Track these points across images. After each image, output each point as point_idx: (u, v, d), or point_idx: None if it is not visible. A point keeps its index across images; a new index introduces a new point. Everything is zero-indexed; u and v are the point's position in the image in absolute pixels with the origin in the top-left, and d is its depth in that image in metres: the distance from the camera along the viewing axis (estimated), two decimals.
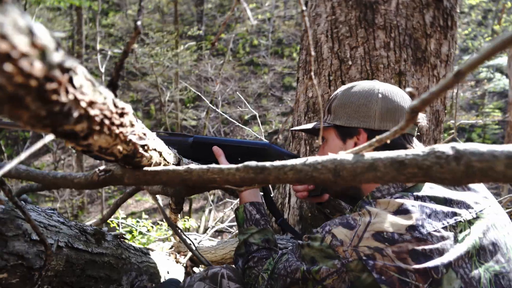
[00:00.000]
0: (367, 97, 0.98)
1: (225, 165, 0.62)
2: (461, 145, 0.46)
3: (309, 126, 1.14)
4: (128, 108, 0.53)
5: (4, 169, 0.55)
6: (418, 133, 1.04)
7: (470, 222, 0.84)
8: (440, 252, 0.77)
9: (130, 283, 1.37)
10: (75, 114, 0.39)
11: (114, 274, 1.24)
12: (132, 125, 0.54)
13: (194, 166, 0.64)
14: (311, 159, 0.56)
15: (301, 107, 2.06)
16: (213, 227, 2.89)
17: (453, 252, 0.78)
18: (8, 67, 0.31)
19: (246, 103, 3.05)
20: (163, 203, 1.81)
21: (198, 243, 2.15)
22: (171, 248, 2.33)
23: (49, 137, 0.57)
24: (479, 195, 0.91)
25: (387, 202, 0.84)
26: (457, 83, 0.37)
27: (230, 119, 2.72)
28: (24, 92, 0.33)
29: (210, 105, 3.18)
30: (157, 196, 1.76)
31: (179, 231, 1.68)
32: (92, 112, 0.42)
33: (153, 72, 11.06)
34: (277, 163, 0.58)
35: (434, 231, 0.79)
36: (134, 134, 0.54)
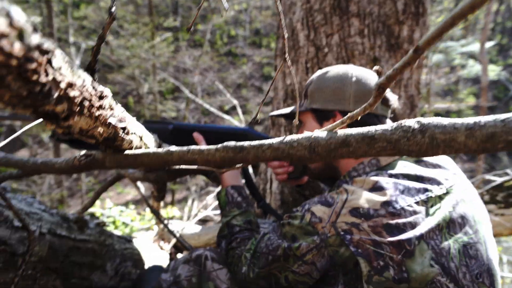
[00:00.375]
0: (342, 80, 1.01)
1: (204, 146, 0.64)
2: (426, 119, 0.49)
3: (287, 110, 1.16)
4: (107, 91, 0.54)
5: None
6: (392, 115, 1.08)
7: (440, 197, 0.88)
8: (413, 225, 0.82)
9: (115, 269, 1.38)
10: (55, 94, 0.40)
11: (98, 260, 1.25)
12: (111, 108, 0.55)
13: (174, 148, 0.66)
14: (287, 137, 0.58)
15: (279, 95, 2.09)
16: (196, 214, 2.90)
17: (425, 225, 0.83)
18: None
19: (226, 92, 3.04)
20: (145, 192, 1.81)
21: (181, 230, 2.16)
22: (155, 236, 2.34)
23: (23, 129, 0.58)
24: (449, 172, 0.96)
25: (363, 180, 0.88)
26: (417, 58, 0.40)
27: (211, 108, 2.72)
28: (5, 71, 0.34)
29: (190, 94, 3.17)
30: (139, 184, 1.76)
31: (162, 218, 1.69)
32: (72, 93, 0.43)
33: (130, 64, 10.86)
34: (255, 142, 0.60)
35: (407, 206, 0.83)
36: (114, 117, 0.55)
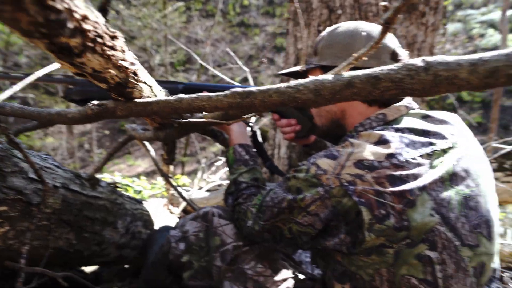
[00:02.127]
0: (352, 36, 1.00)
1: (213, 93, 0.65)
2: (430, 58, 0.49)
3: (296, 68, 1.16)
4: (119, 34, 0.55)
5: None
6: None
7: (445, 151, 0.89)
8: (416, 177, 0.83)
9: (125, 227, 1.43)
10: (70, 25, 0.41)
11: (110, 217, 1.30)
12: (123, 51, 0.56)
13: (183, 95, 0.67)
14: (294, 82, 0.59)
15: (290, 59, 2.07)
16: (208, 182, 2.96)
17: (428, 177, 0.84)
18: None
19: (238, 60, 3.02)
20: (155, 157, 1.85)
21: (191, 195, 2.21)
22: (165, 202, 2.40)
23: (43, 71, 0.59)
24: (455, 128, 0.96)
25: (369, 134, 0.89)
26: None
27: (224, 76, 2.71)
28: None
29: (202, 62, 3.15)
30: (149, 148, 1.80)
31: (172, 181, 1.73)
32: (86, 26, 0.44)
33: (142, 35, 10.78)
34: (262, 87, 0.61)
35: (411, 158, 0.84)
36: (125, 60, 0.56)
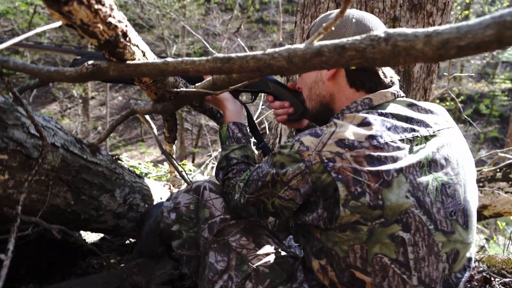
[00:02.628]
0: (342, 21, 1.04)
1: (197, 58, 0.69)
2: (392, 30, 0.53)
3: None
4: None
5: (4, 44, 0.63)
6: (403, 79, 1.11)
7: (426, 138, 0.92)
8: (394, 160, 0.86)
9: (123, 197, 1.49)
10: None
11: (107, 184, 1.36)
12: (111, 9, 0.61)
13: (170, 59, 0.72)
14: (269, 50, 0.63)
15: None
16: (207, 164, 3.01)
17: (406, 160, 0.87)
18: None
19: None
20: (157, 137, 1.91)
21: (192, 178, 2.27)
22: (167, 182, 2.46)
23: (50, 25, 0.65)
24: (440, 118, 0.99)
25: (353, 116, 0.92)
26: None
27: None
28: None
29: (218, 55, 3.18)
30: (153, 126, 1.86)
31: (173, 159, 1.79)
32: None
33: (160, 24, 10.92)
34: (241, 54, 0.65)
35: (391, 141, 0.87)
36: (113, 17, 0.61)
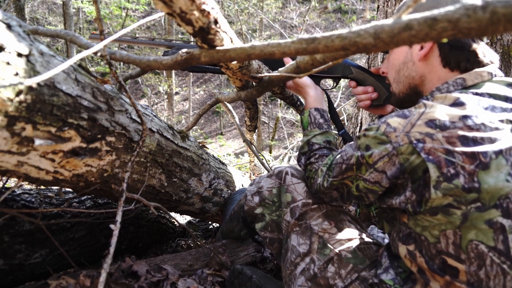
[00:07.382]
0: (437, 1, 0.98)
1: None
2: None
3: None
4: None
5: (109, 38, 0.71)
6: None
7: None
8: (492, 141, 0.80)
9: (209, 182, 1.58)
10: None
11: (195, 169, 1.45)
12: None
13: (257, 42, 0.75)
14: (355, 27, 0.63)
15: None
16: (285, 154, 3.05)
17: (506, 142, 0.81)
18: None
19: None
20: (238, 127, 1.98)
21: (271, 167, 2.32)
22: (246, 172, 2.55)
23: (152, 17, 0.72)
24: None
25: (444, 97, 0.88)
26: None
27: None
28: None
29: (302, 35, 3.21)
30: (234, 115, 1.94)
31: (252, 146, 1.85)
32: None
33: (239, 19, 11.20)
34: (325, 33, 0.66)
35: (489, 122, 0.82)
36: (207, 4, 0.66)
